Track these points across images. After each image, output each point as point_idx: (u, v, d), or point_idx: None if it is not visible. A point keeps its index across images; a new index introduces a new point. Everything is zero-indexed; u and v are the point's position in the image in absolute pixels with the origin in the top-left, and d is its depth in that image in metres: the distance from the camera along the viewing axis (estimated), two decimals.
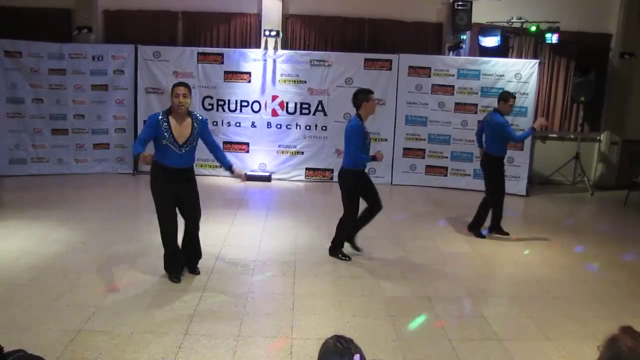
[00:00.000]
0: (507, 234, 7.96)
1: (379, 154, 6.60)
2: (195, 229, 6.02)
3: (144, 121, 10.74)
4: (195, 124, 5.63)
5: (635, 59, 11.54)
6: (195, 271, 6.06)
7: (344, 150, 6.59)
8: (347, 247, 6.90)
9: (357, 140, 6.38)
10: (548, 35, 10.81)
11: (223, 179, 10.75)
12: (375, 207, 6.74)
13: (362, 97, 6.48)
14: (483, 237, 7.84)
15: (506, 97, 7.74)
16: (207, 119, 6.14)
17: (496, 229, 7.97)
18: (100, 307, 5.16)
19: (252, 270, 6.31)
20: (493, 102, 10.56)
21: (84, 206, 8.69)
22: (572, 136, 11.97)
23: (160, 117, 5.49)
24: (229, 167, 5.97)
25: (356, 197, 6.63)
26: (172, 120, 5.49)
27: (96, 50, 10.83)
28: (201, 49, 11.04)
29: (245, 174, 5.83)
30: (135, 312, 5.11)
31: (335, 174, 11.05)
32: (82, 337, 4.59)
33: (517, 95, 10.45)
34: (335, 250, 6.80)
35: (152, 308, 5.24)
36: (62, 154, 10.83)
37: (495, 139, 7.67)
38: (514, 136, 7.74)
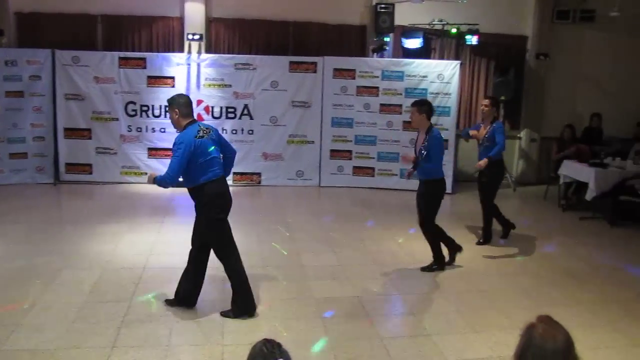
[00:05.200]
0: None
1: None
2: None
3: (65, 128, 10.50)
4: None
5: (550, 60, 12.02)
6: None
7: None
8: None
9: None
10: (468, 36, 11.10)
11: (151, 187, 10.52)
12: None
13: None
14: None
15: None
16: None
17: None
18: (20, 325, 4.93)
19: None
20: None
21: (2, 219, 8.29)
22: None
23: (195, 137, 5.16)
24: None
25: None
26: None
27: (9, 55, 10.33)
28: (122, 54, 10.75)
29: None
30: (59, 327, 4.92)
31: (263, 177, 11.11)
32: (1, 357, 4.38)
33: (440, 96, 10.81)
34: None
35: (77, 322, 5.06)
36: None
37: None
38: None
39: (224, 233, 5.34)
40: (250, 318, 5.28)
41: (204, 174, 5.15)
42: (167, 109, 5.29)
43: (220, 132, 5.87)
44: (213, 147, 5.24)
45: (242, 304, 5.31)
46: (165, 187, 5.33)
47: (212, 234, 5.29)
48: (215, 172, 5.25)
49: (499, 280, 6.54)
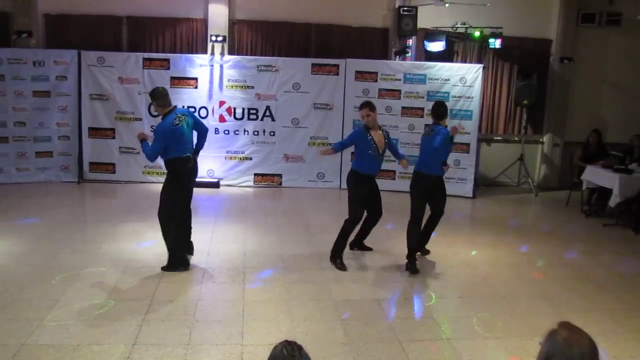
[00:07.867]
0: (370, 249, 7.56)
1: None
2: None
3: (89, 128, 10.64)
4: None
5: (574, 64, 11.89)
6: None
7: None
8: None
9: None
10: (491, 40, 11.03)
11: None
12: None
13: None
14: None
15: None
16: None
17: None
18: (44, 320, 5.01)
19: (202, 277, 6.25)
20: None
21: (27, 216, 8.41)
22: (516, 138, 12.25)
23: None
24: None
25: None
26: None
27: (37, 56, 10.50)
28: (147, 55, 10.86)
29: None
30: (81, 324, 4.99)
31: (284, 179, 11.14)
32: (26, 351, 4.45)
33: (462, 99, 10.75)
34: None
35: (99, 319, 5.12)
36: (2, 163, 10.45)
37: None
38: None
39: None
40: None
41: None
42: None
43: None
44: None
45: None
46: None
47: None
48: None
49: (520, 286, 6.49)
